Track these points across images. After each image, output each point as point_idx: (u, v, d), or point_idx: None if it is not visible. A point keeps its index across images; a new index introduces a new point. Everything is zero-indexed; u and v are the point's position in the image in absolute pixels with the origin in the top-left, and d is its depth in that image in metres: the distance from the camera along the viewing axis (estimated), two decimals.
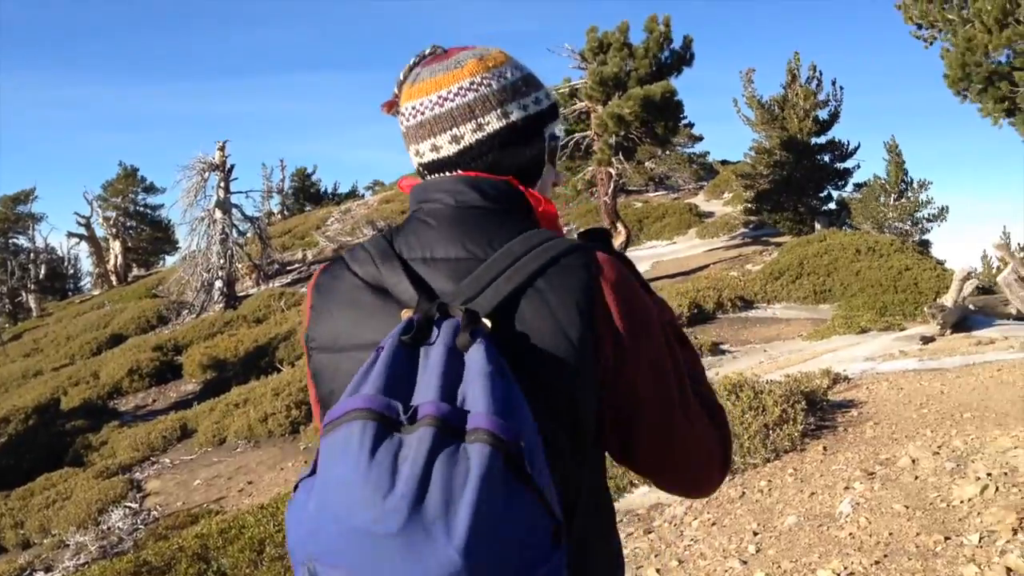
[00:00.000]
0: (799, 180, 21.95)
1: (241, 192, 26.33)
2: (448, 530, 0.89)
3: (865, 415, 6.52)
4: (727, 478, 5.58)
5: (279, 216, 44.18)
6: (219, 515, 8.09)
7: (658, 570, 4.47)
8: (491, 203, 1.20)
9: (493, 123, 1.23)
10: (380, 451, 0.94)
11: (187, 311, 23.15)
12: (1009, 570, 3.56)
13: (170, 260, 40.05)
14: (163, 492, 10.13)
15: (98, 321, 24.86)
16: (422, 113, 1.24)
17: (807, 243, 17.15)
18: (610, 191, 19.19)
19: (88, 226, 37.66)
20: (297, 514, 1.00)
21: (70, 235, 38.81)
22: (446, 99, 1.23)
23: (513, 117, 1.24)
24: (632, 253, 20.99)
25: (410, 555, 0.90)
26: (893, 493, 4.70)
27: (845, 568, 3.92)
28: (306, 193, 47.24)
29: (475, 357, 1.00)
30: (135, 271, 39.19)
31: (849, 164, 23.11)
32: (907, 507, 4.46)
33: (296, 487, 1.03)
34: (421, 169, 1.29)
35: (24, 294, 39.65)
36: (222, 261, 23.51)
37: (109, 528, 9.07)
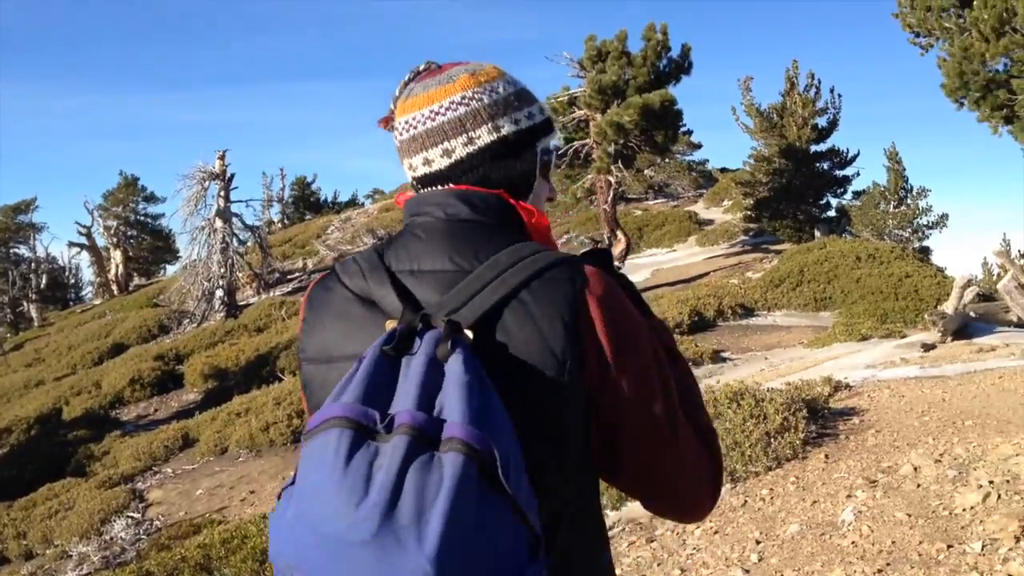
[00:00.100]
0: (798, 188, 21.98)
1: (241, 201, 26.42)
2: (420, 538, 0.89)
3: (867, 423, 6.53)
4: (731, 487, 5.60)
5: (279, 225, 44.20)
6: (221, 525, 8.09)
7: None
8: (481, 216, 1.22)
9: (484, 137, 1.24)
10: (355, 459, 0.94)
11: (188, 320, 23.16)
12: None
13: (171, 269, 40.04)
14: (165, 502, 10.13)
15: (99, 331, 24.85)
16: (415, 127, 1.27)
17: (807, 250, 17.16)
18: (609, 199, 19.22)
19: (89, 235, 37.68)
20: (277, 523, 1.01)
21: (71, 245, 38.85)
22: (438, 113, 1.25)
23: (504, 131, 1.25)
24: (632, 261, 21.02)
25: (382, 563, 0.90)
26: (895, 501, 4.72)
27: None
28: (306, 202, 47.27)
29: (453, 367, 1.01)
30: (136, 280, 39.17)
31: (848, 172, 23.15)
32: (909, 515, 4.48)
33: (279, 497, 1.04)
34: (414, 183, 1.31)
35: (25, 304, 39.67)
36: (223, 270, 23.52)
37: (112, 538, 9.06)
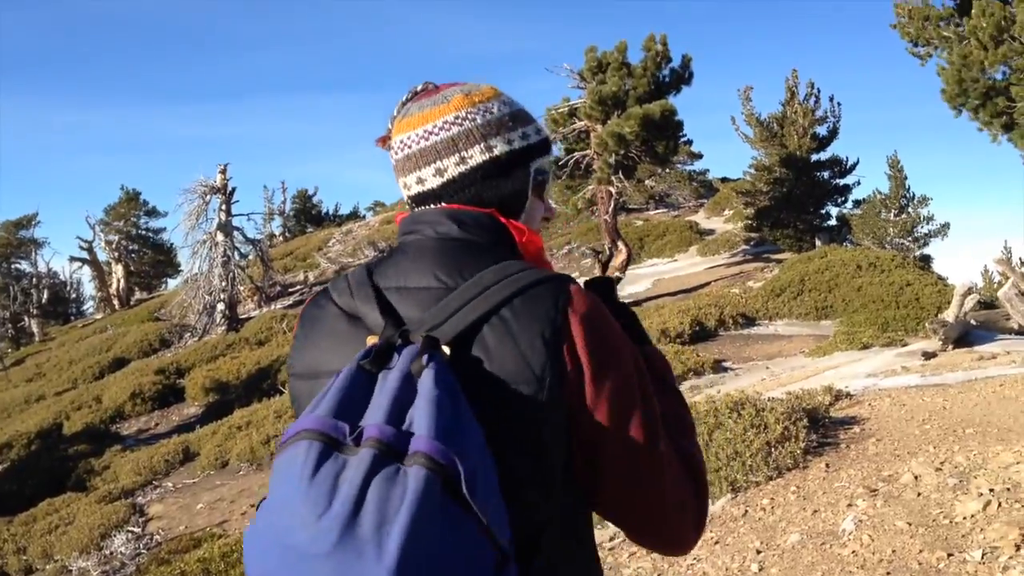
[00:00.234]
0: (799, 197, 21.98)
1: (243, 215, 26.44)
2: (380, 551, 0.89)
3: (867, 432, 6.51)
4: (731, 496, 5.58)
5: (281, 238, 44.27)
6: (222, 539, 8.06)
7: None
8: (469, 235, 1.23)
9: (476, 157, 1.25)
10: (322, 471, 0.95)
11: (189, 334, 23.18)
12: None
13: (172, 283, 40.11)
14: (166, 516, 10.11)
15: (100, 345, 24.87)
16: (409, 147, 1.28)
17: (808, 259, 17.15)
18: (610, 210, 19.22)
19: (90, 250, 37.75)
20: (250, 535, 1.01)
21: (72, 259, 38.92)
22: (431, 133, 1.26)
23: (497, 151, 1.26)
24: (633, 271, 21.01)
25: (342, 575, 0.90)
26: (896, 510, 4.70)
27: None
28: (307, 215, 47.34)
29: (425, 382, 1.01)
30: (137, 294, 39.21)
31: (849, 180, 23.15)
32: (910, 524, 4.45)
33: (257, 509, 1.04)
34: (409, 201, 1.32)
35: (27, 319, 39.69)
36: (224, 284, 23.56)
37: (112, 553, 9.05)
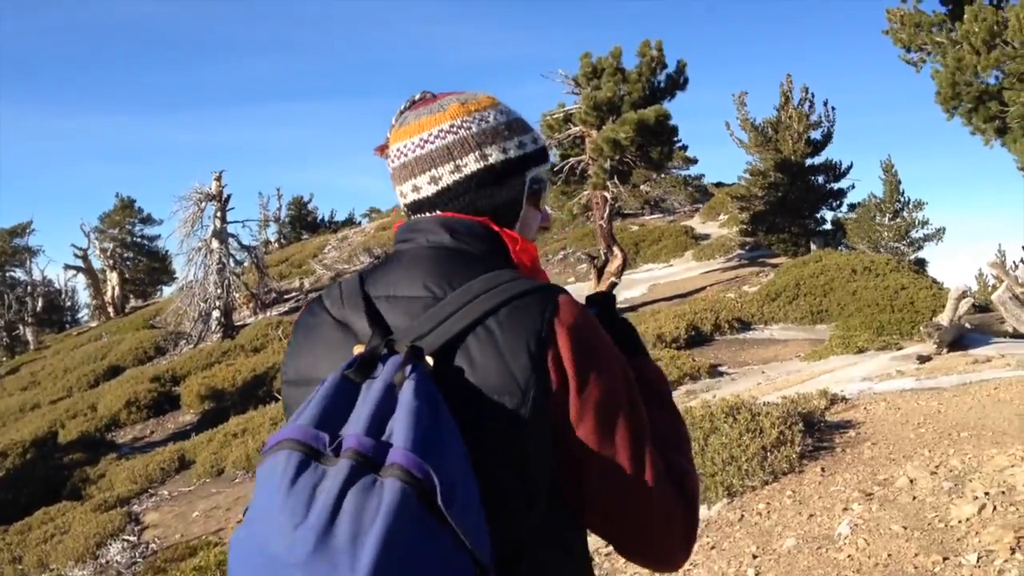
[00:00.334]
0: (794, 201, 22.04)
1: (238, 221, 26.52)
2: (353, 563, 0.89)
3: (863, 435, 6.52)
4: (727, 501, 5.58)
5: (276, 245, 44.29)
6: (218, 547, 8.05)
7: None
8: (461, 243, 1.23)
9: (471, 165, 1.26)
10: (300, 481, 0.95)
11: (185, 341, 23.13)
12: None
13: (167, 291, 40.07)
14: (161, 524, 10.08)
15: (95, 353, 24.81)
16: (405, 155, 1.29)
17: (803, 264, 17.19)
18: (606, 215, 19.24)
19: (85, 258, 37.67)
20: (234, 542, 1.02)
21: (67, 267, 38.85)
22: (427, 141, 1.27)
23: (491, 160, 1.27)
24: (628, 276, 21.03)
25: None
26: (891, 514, 4.70)
27: None
28: (303, 221, 47.39)
29: (405, 393, 1.01)
30: (132, 302, 39.17)
31: (843, 184, 23.23)
32: (905, 528, 4.46)
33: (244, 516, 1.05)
34: (405, 209, 1.33)
35: (21, 327, 39.60)
36: (219, 291, 23.52)
37: (107, 562, 9.02)
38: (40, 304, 40.91)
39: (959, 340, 11.07)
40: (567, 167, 19.63)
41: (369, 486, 0.93)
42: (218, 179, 24.74)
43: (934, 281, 15.78)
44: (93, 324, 37.52)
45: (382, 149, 1.35)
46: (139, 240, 40.62)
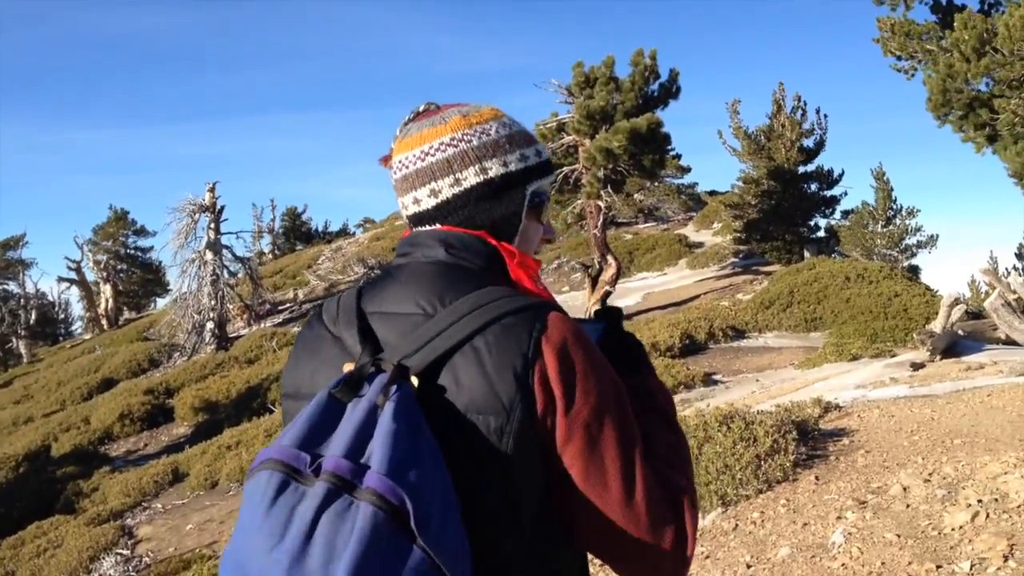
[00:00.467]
0: (787, 209, 22.10)
1: (232, 233, 26.37)
2: None
3: (856, 443, 6.51)
4: (721, 510, 5.57)
5: (270, 256, 44.23)
6: (211, 560, 8.01)
7: None
8: (457, 258, 1.22)
9: (471, 178, 1.25)
10: (279, 502, 0.95)
11: (178, 353, 23.07)
12: None
13: (161, 303, 39.92)
14: (155, 538, 10.03)
15: (89, 366, 24.72)
16: (406, 167, 1.29)
17: (797, 271, 17.22)
18: (599, 224, 19.27)
19: (78, 270, 37.62)
20: (224, 557, 1.02)
21: (60, 280, 38.81)
22: (428, 154, 1.26)
23: (491, 173, 1.26)
24: (623, 285, 21.04)
25: None
26: (885, 522, 4.70)
27: None
28: (297, 232, 47.36)
29: (385, 414, 1.00)
30: (126, 314, 39.07)
31: (836, 192, 23.30)
32: (899, 536, 4.46)
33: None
34: (407, 221, 1.33)
35: (15, 340, 39.49)
36: (213, 302, 23.49)
37: None
38: (33, 317, 40.82)
39: (952, 347, 11.10)
40: (561, 176, 19.66)
41: (344, 510, 0.93)
42: (211, 190, 24.73)
43: (927, 288, 15.81)
44: (87, 337, 37.42)
45: (386, 160, 1.35)
46: (133, 252, 40.50)
